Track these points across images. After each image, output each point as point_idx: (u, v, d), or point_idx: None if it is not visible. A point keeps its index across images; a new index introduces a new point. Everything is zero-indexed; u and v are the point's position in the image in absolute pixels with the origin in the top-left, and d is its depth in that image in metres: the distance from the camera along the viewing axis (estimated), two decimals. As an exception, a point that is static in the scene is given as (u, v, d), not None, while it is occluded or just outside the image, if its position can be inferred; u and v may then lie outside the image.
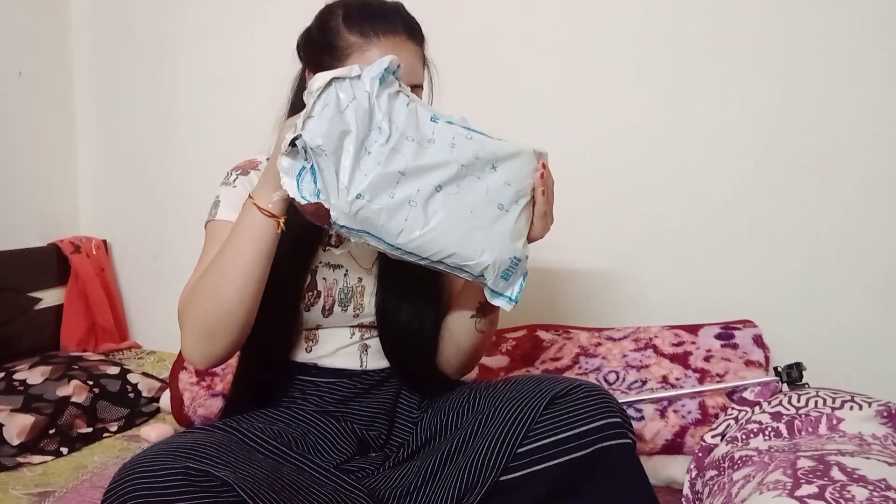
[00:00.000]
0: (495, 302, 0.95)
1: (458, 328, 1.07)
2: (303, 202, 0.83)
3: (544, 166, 0.96)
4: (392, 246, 0.88)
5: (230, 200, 0.99)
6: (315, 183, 0.83)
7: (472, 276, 0.93)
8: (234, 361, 1.10)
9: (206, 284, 0.92)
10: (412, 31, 1.01)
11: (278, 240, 0.91)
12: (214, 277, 0.92)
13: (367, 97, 0.85)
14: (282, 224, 0.90)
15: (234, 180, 1.03)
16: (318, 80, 0.84)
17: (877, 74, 1.39)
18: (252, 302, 0.92)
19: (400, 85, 0.89)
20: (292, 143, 0.82)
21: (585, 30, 1.60)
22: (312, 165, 0.83)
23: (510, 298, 0.95)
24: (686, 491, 1.07)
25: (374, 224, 0.86)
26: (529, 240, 0.96)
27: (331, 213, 0.84)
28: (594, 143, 1.58)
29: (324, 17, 1.03)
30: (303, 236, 1.02)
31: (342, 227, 0.86)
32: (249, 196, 0.90)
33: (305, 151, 0.83)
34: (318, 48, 1.00)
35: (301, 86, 1.06)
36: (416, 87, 1.01)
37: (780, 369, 1.19)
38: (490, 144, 0.91)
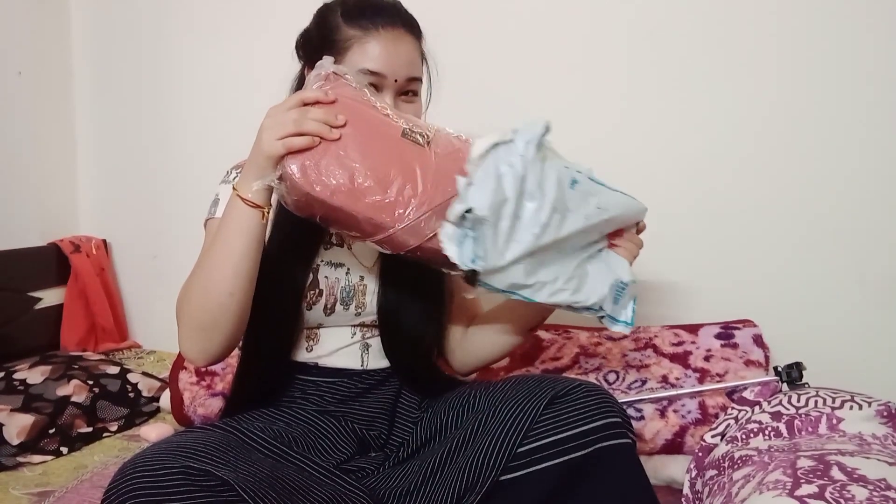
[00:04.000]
0: (615, 328, 1.01)
1: (505, 339, 1.12)
2: (464, 268, 0.87)
3: (639, 225, 1.08)
4: (531, 300, 0.94)
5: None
6: (475, 249, 0.88)
7: (593, 313, 1.00)
8: (234, 361, 1.11)
9: (198, 280, 0.92)
10: (410, 25, 1.02)
11: (265, 230, 0.91)
12: (205, 272, 0.92)
13: (521, 161, 0.89)
14: (266, 214, 0.90)
15: (234, 178, 1.03)
16: (478, 146, 0.88)
17: (874, 72, 1.39)
18: (243, 295, 0.92)
19: (546, 145, 0.93)
20: (463, 216, 0.87)
21: (584, 24, 1.60)
22: (475, 235, 0.88)
23: (626, 322, 1.02)
24: (686, 491, 1.07)
25: (519, 286, 0.92)
26: None
27: (480, 275, 0.89)
28: (592, 141, 1.57)
29: (322, 14, 1.04)
30: (304, 235, 1.02)
31: (488, 286, 0.91)
32: (234, 188, 0.90)
33: (473, 223, 0.87)
34: (318, 45, 1.01)
35: (300, 86, 1.06)
36: (415, 80, 1.02)
37: (780, 369, 1.19)
38: (613, 204, 1.00)
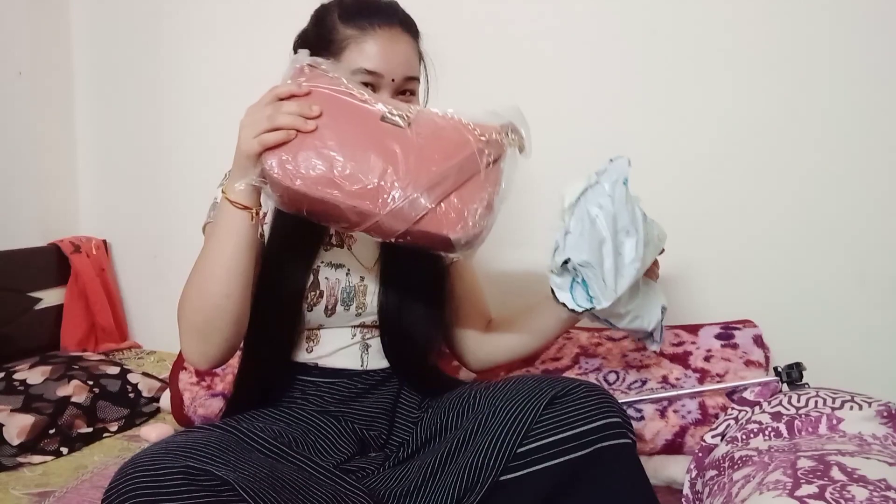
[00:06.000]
0: (651, 347, 1.12)
1: (529, 346, 1.17)
2: (579, 310, 0.95)
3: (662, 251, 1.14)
4: (615, 327, 1.03)
5: None
6: (587, 292, 0.95)
7: (645, 335, 1.10)
8: (235, 361, 1.11)
9: (194, 283, 0.93)
10: (407, 25, 1.02)
11: (256, 231, 0.91)
12: (200, 275, 0.92)
13: (611, 202, 0.95)
14: (255, 215, 0.90)
15: None
16: (568, 195, 0.94)
17: (874, 73, 1.39)
18: (239, 296, 0.92)
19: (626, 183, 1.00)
20: (563, 264, 0.92)
21: (584, 23, 1.59)
22: (582, 279, 0.93)
23: (658, 342, 1.12)
24: (686, 491, 1.07)
25: (616, 315, 0.99)
26: None
27: (595, 309, 0.95)
28: (592, 141, 1.58)
29: (320, 14, 1.04)
30: (303, 236, 1.02)
31: (594, 318, 0.99)
32: (222, 191, 0.90)
33: (575, 269, 0.93)
34: (315, 45, 1.01)
35: None
36: (413, 80, 1.02)
37: (780, 369, 1.19)
38: (661, 233, 1.10)
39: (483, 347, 1.18)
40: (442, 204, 0.86)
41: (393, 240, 0.87)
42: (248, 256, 0.91)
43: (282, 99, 0.87)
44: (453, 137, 0.89)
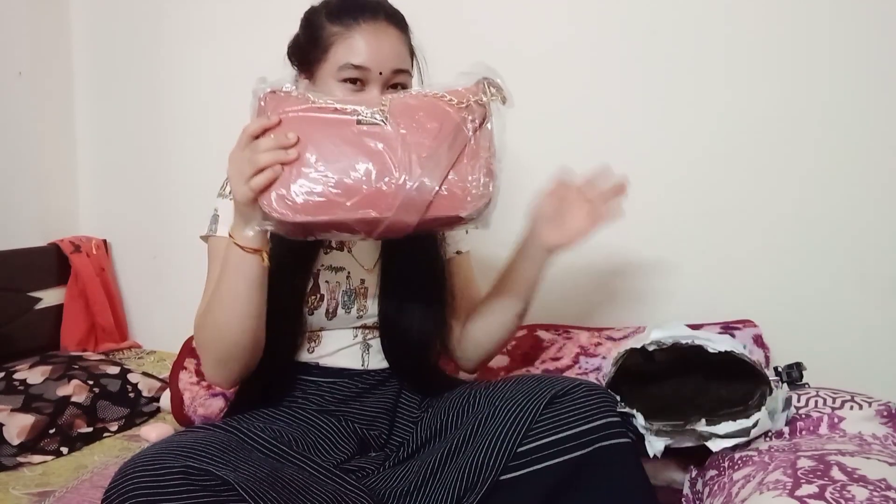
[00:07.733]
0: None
1: (501, 319, 1.10)
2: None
3: None
4: None
5: (228, 215, 0.97)
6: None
7: None
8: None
9: (209, 320, 0.94)
10: (394, 18, 1.02)
11: (267, 270, 0.92)
12: (215, 314, 0.94)
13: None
14: (265, 257, 0.90)
15: (230, 191, 1.03)
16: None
17: (874, 73, 1.39)
18: (255, 329, 0.94)
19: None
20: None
21: (581, 20, 1.59)
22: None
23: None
24: (686, 491, 1.07)
25: None
26: None
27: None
28: (591, 141, 1.58)
29: (308, 17, 1.06)
30: (303, 241, 1.02)
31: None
32: (230, 234, 0.91)
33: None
34: (305, 47, 1.02)
35: None
36: (403, 73, 1.01)
37: (780, 369, 1.19)
38: None
39: (465, 337, 1.15)
40: (444, 185, 0.86)
41: (412, 233, 0.87)
42: (261, 294, 0.92)
43: (257, 136, 0.86)
44: (433, 115, 0.89)
